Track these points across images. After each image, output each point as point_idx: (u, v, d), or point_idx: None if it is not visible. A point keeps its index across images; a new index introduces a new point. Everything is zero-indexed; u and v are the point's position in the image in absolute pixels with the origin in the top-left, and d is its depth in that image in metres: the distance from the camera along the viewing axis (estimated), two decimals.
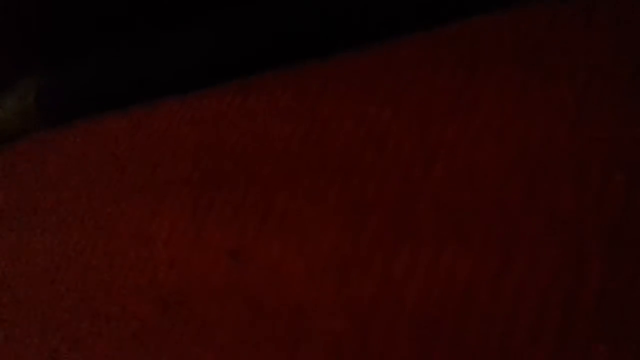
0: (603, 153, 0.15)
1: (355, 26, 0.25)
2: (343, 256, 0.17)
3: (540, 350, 0.14)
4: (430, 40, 0.20)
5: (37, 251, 0.24)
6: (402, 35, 0.21)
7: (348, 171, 0.18)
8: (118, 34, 0.30)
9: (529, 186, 0.16)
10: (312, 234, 0.18)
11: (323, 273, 0.17)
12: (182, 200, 0.21)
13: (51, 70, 0.33)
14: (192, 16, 0.27)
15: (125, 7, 0.29)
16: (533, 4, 0.20)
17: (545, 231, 0.15)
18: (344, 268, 0.17)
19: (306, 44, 0.25)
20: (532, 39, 0.18)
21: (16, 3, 0.30)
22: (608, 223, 0.14)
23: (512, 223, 0.15)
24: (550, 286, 0.14)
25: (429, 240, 0.16)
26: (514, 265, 0.15)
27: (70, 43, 0.32)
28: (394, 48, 0.21)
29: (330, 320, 0.16)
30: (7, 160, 0.31)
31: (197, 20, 0.27)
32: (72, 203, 0.24)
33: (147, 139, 0.24)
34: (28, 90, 0.34)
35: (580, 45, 0.18)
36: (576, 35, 0.18)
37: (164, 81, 0.29)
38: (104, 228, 0.22)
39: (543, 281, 0.14)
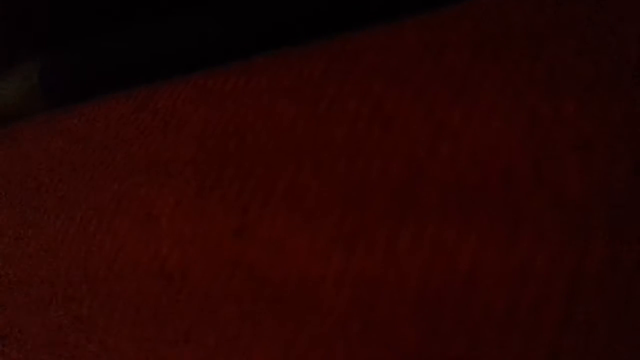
0: (611, 133, 0.15)
1: (358, 7, 0.25)
2: (348, 231, 0.17)
3: (546, 325, 0.14)
4: (435, 21, 0.20)
5: (40, 228, 0.24)
6: (406, 16, 0.21)
7: (353, 149, 0.18)
8: (121, 15, 0.30)
9: (535, 166, 0.16)
10: (317, 210, 0.18)
11: (327, 248, 0.17)
12: (186, 178, 0.21)
13: (55, 51, 0.33)
14: None
15: None
16: None
17: (551, 211, 0.15)
18: (349, 243, 0.17)
19: (308, 25, 0.25)
20: (538, 18, 0.18)
21: None
22: (613, 203, 0.14)
23: (517, 203, 0.15)
24: (555, 263, 0.14)
25: (434, 217, 0.16)
26: (519, 243, 0.15)
27: (73, 23, 0.32)
28: (399, 29, 0.21)
29: (335, 295, 0.16)
30: (11, 140, 0.31)
31: (200, 1, 0.27)
32: (75, 182, 0.24)
33: (151, 119, 0.24)
34: (32, 70, 0.34)
35: (588, 26, 0.18)
36: (584, 17, 0.18)
37: (167, 61, 0.29)
38: (108, 206, 0.22)
39: (548, 258, 0.14)
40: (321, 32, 0.23)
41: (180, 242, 0.19)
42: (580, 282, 0.14)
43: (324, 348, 0.16)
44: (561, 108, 0.16)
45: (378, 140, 0.18)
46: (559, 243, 0.14)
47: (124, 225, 0.21)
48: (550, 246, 0.14)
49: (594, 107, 0.16)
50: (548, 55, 0.17)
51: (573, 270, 0.14)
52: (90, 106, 0.28)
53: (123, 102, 0.26)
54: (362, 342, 0.15)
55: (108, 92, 0.30)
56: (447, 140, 0.17)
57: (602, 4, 0.18)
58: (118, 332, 0.19)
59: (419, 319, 0.15)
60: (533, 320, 0.14)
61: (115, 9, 0.31)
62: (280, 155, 0.19)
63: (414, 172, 0.17)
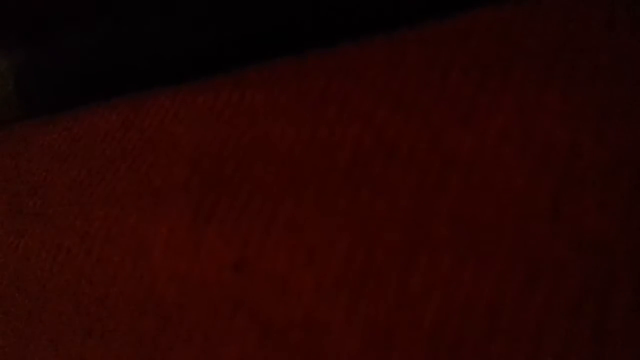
0: (630, 163, 0.15)
1: (357, 15, 0.24)
2: (356, 271, 0.16)
3: None
4: (439, 36, 0.19)
5: (25, 256, 0.23)
6: (408, 25, 0.20)
7: (357, 179, 0.17)
8: (102, 10, 0.28)
9: (552, 204, 0.15)
10: (321, 246, 0.17)
11: (334, 288, 0.16)
12: (180, 206, 0.20)
13: (30, 52, 0.31)
14: None
15: None
16: None
17: (570, 254, 0.14)
18: (357, 283, 0.16)
19: (304, 32, 0.24)
20: (549, 37, 0.18)
21: None
22: (636, 244, 0.14)
23: (535, 243, 0.14)
24: (576, 312, 0.13)
25: (447, 257, 0.15)
26: (538, 290, 0.14)
27: (49, 21, 0.30)
28: (401, 44, 0.20)
29: (344, 340, 0.16)
30: None
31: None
32: (61, 206, 0.23)
33: (139, 137, 0.23)
34: (7, 74, 0.32)
35: (601, 45, 0.17)
36: (597, 34, 0.17)
37: (152, 66, 0.27)
38: (97, 234, 0.21)
39: (569, 305, 0.13)
40: (318, 40, 0.22)
41: (176, 277, 0.18)
42: (605, 330, 0.13)
43: None
44: (576, 137, 0.16)
45: (383, 169, 0.17)
46: (580, 289, 0.14)
47: (115, 256, 0.20)
48: (571, 292, 0.14)
49: (611, 135, 0.15)
50: (561, 78, 0.17)
51: (596, 320, 0.13)
52: (73, 120, 0.26)
53: (107, 117, 0.25)
54: None
55: (89, 97, 0.29)
56: (457, 171, 0.16)
57: (613, 25, 0.17)
58: None
59: None
60: None
61: (95, 4, 0.29)
62: (279, 183, 0.18)
63: (423, 206, 0.16)
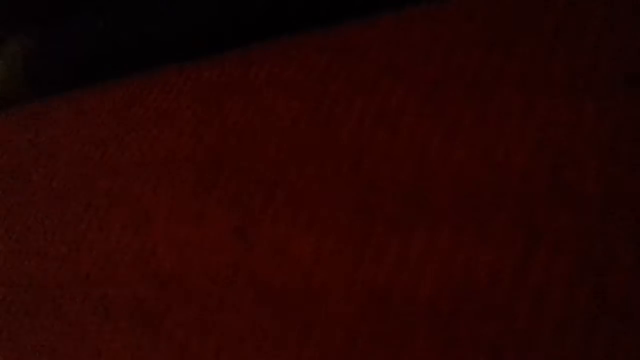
0: (630, 138, 0.15)
1: None
2: (356, 237, 0.16)
3: (568, 341, 0.13)
4: (444, 13, 0.19)
5: (29, 223, 0.23)
6: (414, 3, 0.20)
7: (360, 149, 0.18)
8: None
9: (552, 173, 0.15)
10: (323, 214, 0.17)
11: (334, 254, 0.16)
12: (183, 176, 0.20)
13: (38, 33, 0.32)
14: None
15: None
16: None
17: (569, 220, 0.14)
18: (357, 250, 0.16)
19: (309, 9, 0.24)
20: (552, 16, 0.18)
21: None
22: (635, 213, 0.14)
23: (534, 211, 0.14)
24: (576, 279, 0.13)
25: (447, 225, 0.15)
26: (537, 257, 0.14)
27: (58, 3, 0.30)
28: (407, 22, 0.20)
29: (343, 304, 0.16)
30: None
31: None
32: (66, 175, 0.23)
33: (144, 111, 0.23)
34: (15, 55, 0.32)
35: (604, 23, 0.17)
36: (599, 13, 0.17)
37: (159, 45, 0.28)
38: (101, 203, 0.21)
39: (568, 271, 0.14)
40: (322, 18, 0.22)
41: (177, 244, 0.19)
42: (604, 298, 0.13)
43: None
44: (580, 109, 0.16)
45: (386, 141, 0.17)
46: (579, 254, 0.14)
47: (117, 224, 0.20)
48: (570, 259, 0.14)
49: (613, 108, 0.15)
50: (565, 52, 0.17)
51: (596, 287, 0.13)
52: (80, 97, 0.26)
53: (113, 94, 0.25)
54: (371, 355, 0.15)
55: (96, 77, 0.29)
56: (459, 142, 0.16)
57: (615, 7, 0.17)
58: (112, 339, 0.18)
59: (433, 330, 0.14)
60: (555, 335, 0.13)
61: None
62: (282, 155, 0.19)
63: (425, 176, 0.16)
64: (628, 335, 0.13)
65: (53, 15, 0.31)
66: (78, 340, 0.19)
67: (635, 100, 0.15)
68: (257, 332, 0.16)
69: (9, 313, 0.21)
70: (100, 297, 0.19)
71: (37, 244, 0.22)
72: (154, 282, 0.18)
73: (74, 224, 0.21)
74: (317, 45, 0.21)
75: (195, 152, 0.20)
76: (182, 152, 0.20)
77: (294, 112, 0.19)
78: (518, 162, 0.15)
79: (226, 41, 0.25)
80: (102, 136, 0.23)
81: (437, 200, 0.16)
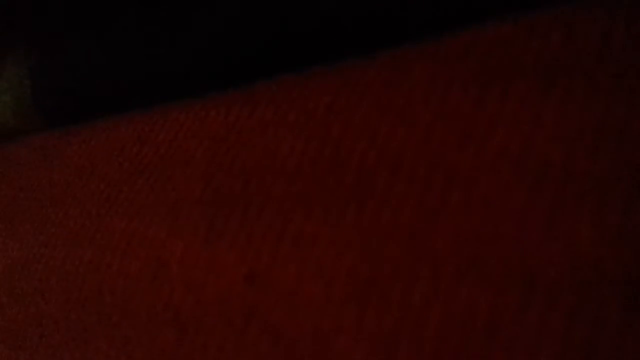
0: (624, 181, 0.15)
1: (362, 30, 0.24)
2: (362, 282, 0.17)
3: None
4: (441, 53, 0.20)
5: (50, 267, 0.24)
6: (411, 40, 0.21)
7: (363, 193, 0.18)
8: (112, 22, 0.29)
9: (548, 218, 0.15)
10: (330, 258, 0.18)
11: (342, 298, 0.17)
12: (195, 221, 0.21)
13: (45, 59, 0.32)
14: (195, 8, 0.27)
15: None
16: (545, 12, 0.19)
17: (564, 269, 0.15)
18: (364, 294, 0.17)
19: (310, 47, 0.25)
20: (547, 54, 0.18)
21: None
22: (628, 262, 0.14)
23: (531, 260, 0.15)
24: (570, 328, 0.14)
25: (448, 270, 0.16)
26: (534, 305, 0.15)
27: (62, 27, 0.31)
28: (404, 60, 0.20)
29: (352, 349, 0.16)
30: (9, 165, 0.30)
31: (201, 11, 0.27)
32: (81, 218, 0.24)
33: (154, 152, 0.24)
34: (22, 83, 0.33)
35: (597, 64, 0.17)
36: (593, 53, 0.17)
37: (165, 75, 0.28)
38: (118, 247, 0.22)
39: (562, 323, 0.14)
40: (323, 55, 0.23)
41: (193, 288, 0.19)
42: (596, 348, 0.14)
43: None
44: (572, 154, 0.16)
45: (387, 185, 0.18)
46: (573, 306, 0.14)
47: (135, 267, 0.21)
48: (565, 308, 0.14)
49: (605, 153, 0.16)
50: (557, 94, 0.17)
51: (587, 337, 0.14)
52: (90, 133, 0.27)
53: (123, 132, 0.26)
54: None
55: (104, 106, 0.30)
56: (458, 187, 0.17)
57: (610, 42, 0.17)
58: None
59: None
60: None
61: (107, 16, 0.30)
62: (289, 198, 0.19)
63: (425, 221, 0.17)
64: None
65: (57, 38, 0.31)
66: None
67: (626, 147, 0.16)
68: None
69: (32, 350, 0.22)
70: (124, 340, 0.20)
71: (59, 286, 0.23)
72: (173, 327, 0.19)
73: (94, 268, 0.22)
74: (318, 85, 0.21)
75: (204, 196, 0.21)
76: (192, 195, 0.21)
77: (298, 154, 0.20)
78: (514, 209, 0.16)
79: (231, 75, 0.26)
80: (115, 176, 0.24)
81: (438, 245, 0.16)
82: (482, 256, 0.16)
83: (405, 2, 0.23)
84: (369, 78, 0.21)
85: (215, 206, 0.20)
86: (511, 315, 0.15)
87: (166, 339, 0.19)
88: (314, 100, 0.21)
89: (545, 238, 0.15)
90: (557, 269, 0.15)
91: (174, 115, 0.24)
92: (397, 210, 0.17)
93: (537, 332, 0.14)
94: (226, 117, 0.23)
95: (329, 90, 0.21)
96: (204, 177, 0.22)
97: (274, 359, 0.17)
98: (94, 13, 0.30)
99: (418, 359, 0.16)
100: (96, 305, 0.22)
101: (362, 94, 0.20)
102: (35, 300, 0.24)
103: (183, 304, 0.19)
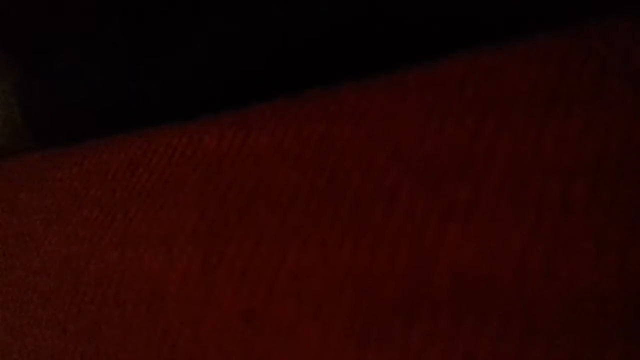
0: (623, 222, 0.15)
1: (358, 50, 0.24)
2: (361, 322, 0.17)
3: None
4: (436, 81, 0.19)
5: (45, 295, 0.24)
6: (406, 62, 0.21)
7: (359, 228, 0.18)
8: (100, 38, 0.29)
9: (547, 257, 0.15)
10: (328, 295, 0.18)
11: (341, 339, 0.17)
12: (190, 253, 0.20)
13: (32, 76, 0.32)
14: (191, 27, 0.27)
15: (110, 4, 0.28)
16: (541, 40, 0.19)
17: (563, 311, 0.15)
18: (362, 335, 0.17)
19: (305, 67, 0.25)
20: (543, 85, 0.18)
21: None
22: (629, 302, 0.14)
23: (530, 301, 0.15)
24: None
25: (447, 311, 0.16)
26: (534, 348, 0.14)
27: (49, 43, 0.31)
28: (400, 88, 0.20)
29: None
30: (0, 186, 0.30)
31: (196, 28, 0.27)
32: (75, 244, 0.24)
33: (147, 177, 0.23)
34: (10, 101, 0.33)
35: (595, 95, 0.17)
36: (590, 84, 0.17)
37: (156, 92, 0.28)
38: (113, 278, 0.22)
39: None
40: (317, 77, 0.23)
41: (189, 323, 0.19)
42: None
43: None
44: (569, 192, 0.16)
45: (383, 219, 0.18)
46: (574, 348, 0.14)
47: (130, 302, 0.21)
48: (565, 351, 0.14)
49: (604, 188, 0.16)
50: (554, 128, 0.17)
51: None
52: (83, 156, 0.27)
53: (116, 155, 0.25)
54: None
55: (95, 122, 0.30)
56: (455, 224, 0.17)
57: (606, 75, 0.17)
58: None
59: None
60: None
61: (95, 31, 0.30)
62: (284, 231, 0.19)
63: (423, 258, 0.17)
64: None
65: (46, 54, 0.31)
66: None
67: (624, 185, 0.15)
68: None
69: None
70: None
71: (56, 317, 0.23)
72: None
73: (90, 299, 0.22)
74: (313, 111, 0.21)
75: (199, 227, 0.21)
76: (186, 226, 0.21)
77: (293, 185, 0.20)
78: (512, 247, 0.16)
79: (224, 96, 0.25)
80: (108, 202, 0.24)
81: (436, 286, 0.16)
82: (481, 296, 0.16)
83: (402, 22, 0.23)
84: (364, 107, 0.20)
85: (210, 238, 0.20)
86: (512, 352, 0.15)
87: None
88: (308, 127, 0.21)
89: (544, 278, 0.15)
90: (557, 310, 0.15)
91: (167, 140, 0.24)
92: (394, 246, 0.17)
93: None
94: (219, 142, 0.23)
95: (324, 117, 0.21)
96: (198, 206, 0.21)
97: None
98: (81, 29, 0.29)
99: None
100: (93, 338, 0.21)
101: (356, 123, 0.20)
102: (31, 331, 0.23)
103: (180, 339, 0.19)
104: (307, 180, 0.20)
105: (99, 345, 0.21)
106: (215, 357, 0.18)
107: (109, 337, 0.21)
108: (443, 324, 0.16)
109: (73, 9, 0.29)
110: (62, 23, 0.30)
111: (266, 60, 0.26)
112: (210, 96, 0.27)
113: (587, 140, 0.16)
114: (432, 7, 0.23)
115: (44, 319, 0.23)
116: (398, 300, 0.17)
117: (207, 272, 0.20)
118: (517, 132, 0.17)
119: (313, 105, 0.21)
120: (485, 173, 0.17)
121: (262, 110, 0.23)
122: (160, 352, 0.19)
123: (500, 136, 0.17)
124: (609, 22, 0.18)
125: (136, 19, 0.28)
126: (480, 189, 0.17)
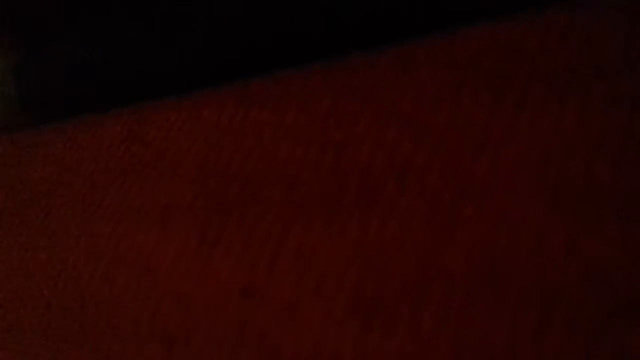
0: None
1: (362, 23, 0.23)
2: (366, 301, 0.16)
3: None
4: (450, 55, 0.19)
5: (29, 271, 0.23)
6: (417, 35, 0.20)
7: (367, 205, 0.17)
8: (98, 15, 0.28)
9: (568, 234, 0.14)
10: (332, 273, 0.17)
11: (344, 318, 0.16)
12: (187, 228, 0.19)
13: (29, 54, 0.31)
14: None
15: None
16: (562, 12, 0.18)
17: (585, 290, 0.14)
18: (368, 314, 0.16)
19: (309, 42, 0.24)
20: (564, 58, 0.17)
21: None
22: None
23: (549, 279, 0.14)
24: (592, 351, 0.13)
25: (461, 291, 0.15)
26: (553, 327, 0.14)
27: (48, 22, 0.30)
28: (411, 62, 0.19)
29: None
30: None
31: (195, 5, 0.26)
32: (65, 218, 0.23)
33: (143, 151, 0.22)
34: (8, 78, 0.32)
35: (618, 67, 0.16)
36: (613, 56, 0.16)
37: (154, 70, 0.27)
38: (103, 252, 0.21)
39: (584, 345, 0.13)
40: (322, 50, 0.22)
41: (182, 301, 0.18)
42: None
43: None
44: (593, 165, 0.15)
45: (394, 195, 0.17)
46: (596, 327, 0.13)
47: (121, 277, 0.20)
48: (586, 330, 0.13)
49: (628, 164, 0.15)
50: (576, 102, 0.16)
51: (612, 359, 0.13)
52: (77, 130, 0.26)
53: (112, 128, 0.24)
54: None
55: (91, 98, 0.29)
56: (470, 199, 0.16)
57: (631, 46, 0.16)
58: None
59: None
60: None
61: (93, 9, 0.29)
62: (288, 207, 0.18)
63: (436, 235, 0.16)
64: None
65: (42, 33, 0.30)
66: None
67: None
68: None
69: None
70: (107, 352, 0.19)
71: (40, 292, 0.22)
72: (161, 340, 0.18)
73: (78, 274, 0.21)
74: (319, 85, 0.20)
75: (197, 201, 0.20)
76: (184, 200, 0.20)
77: (298, 159, 0.19)
78: (532, 221, 0.15)
79: (225, 71, 0.24)
80: (101, 177, 0.23)
81: (450, 262, 0.15)
82: (498, 273, 0.15)
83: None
84: (373, 81, 0.19)
85: (209, 214, 0.19)
86: (529, 337, 0.14)
87: (152, 354, 0.18)
88: (314, 103, 0.20)
89: (565, 258, 0.14)
90: (578, 289, 0.14)
91: (165, 114, 0.23)
92: (404, 224, 0.16)
93: (555, 357, 0.13)
94: (219, 116, 0.22)
95: (331, 91, 0.20)
96: (196, 181, 0.20)
97: None
98: (79, 7, 0.28)
99: None
100: (79, 314, 0.20)
101: (365, 97, 0.19)
102: (14, 307, 0.22)
103: (171, 316, 0.18)
104: (312, 155, 0.19)
105: (84, 321, 0.20)
106: (208, 333, 0.17)
107: (95, 314, 0.20)
108: (456, 304, 0.15)
109: None
110: (61, 4, 0.29)
111: (271, 34, 0.25)
112: (213, 73, 0.26)
113: (612, 113, 0.16)
114: None
115: (26, 295, 0.22)
116: (408, 280, 0.16)
117: (204, 248, 0.19)
118: (537, 106, 0.16)
119: (318, 79, 0.20)
120: (504, 147, 0.16)
121: (264, 84, 0.22)
122: (150, 330, 0.18)
123: (519, 112, 0.17)
124: None
125: None
126: (498, 163, 0.16)
